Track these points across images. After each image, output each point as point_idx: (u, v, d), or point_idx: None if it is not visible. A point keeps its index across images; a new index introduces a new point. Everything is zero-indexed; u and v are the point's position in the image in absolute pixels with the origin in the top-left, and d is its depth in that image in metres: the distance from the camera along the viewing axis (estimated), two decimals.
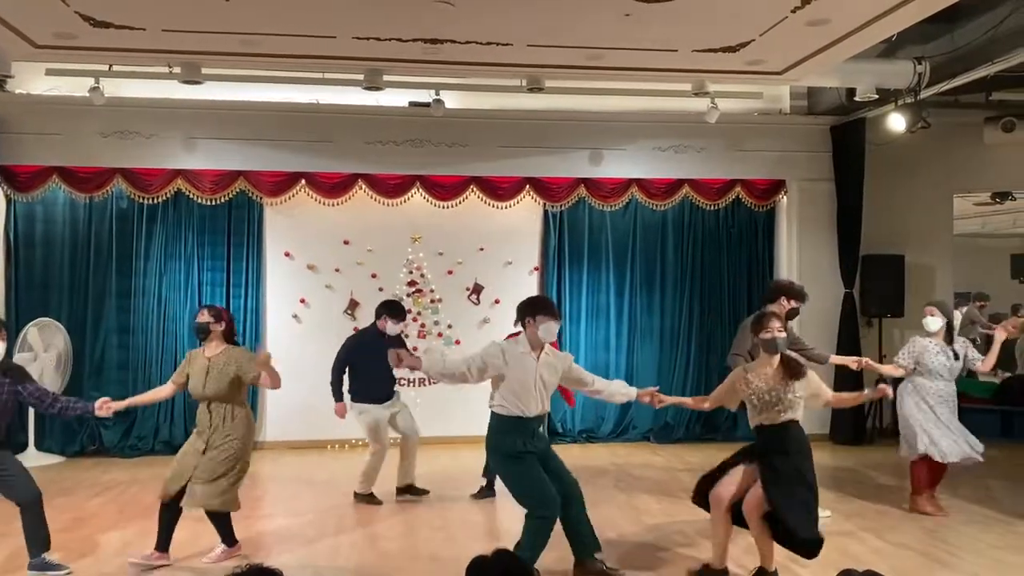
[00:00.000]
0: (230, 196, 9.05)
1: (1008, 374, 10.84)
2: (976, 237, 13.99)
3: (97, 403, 5.12)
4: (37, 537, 5.01)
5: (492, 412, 4.96)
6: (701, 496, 5.03)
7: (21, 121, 8.64)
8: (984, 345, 13.14)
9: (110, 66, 7.89)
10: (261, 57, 7.21)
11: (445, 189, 9.33)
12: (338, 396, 6.83)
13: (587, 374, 5.19)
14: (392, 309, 7.00)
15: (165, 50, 6.98)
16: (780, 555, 4.85)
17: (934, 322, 6.49)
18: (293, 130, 9.01)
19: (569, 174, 9.48)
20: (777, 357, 4.84)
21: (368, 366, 6.75)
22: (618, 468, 8.32)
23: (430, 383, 8.82)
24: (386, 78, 7.68)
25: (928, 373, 6.45)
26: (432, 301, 9.56)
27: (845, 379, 8.53)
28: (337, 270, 9.40)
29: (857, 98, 8.51)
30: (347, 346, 7.02)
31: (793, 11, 5.97)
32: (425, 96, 8.71)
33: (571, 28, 6.40)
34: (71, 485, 7.47)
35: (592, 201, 9.60)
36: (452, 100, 8.79)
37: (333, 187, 9.18)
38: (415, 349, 7.58)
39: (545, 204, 9.62)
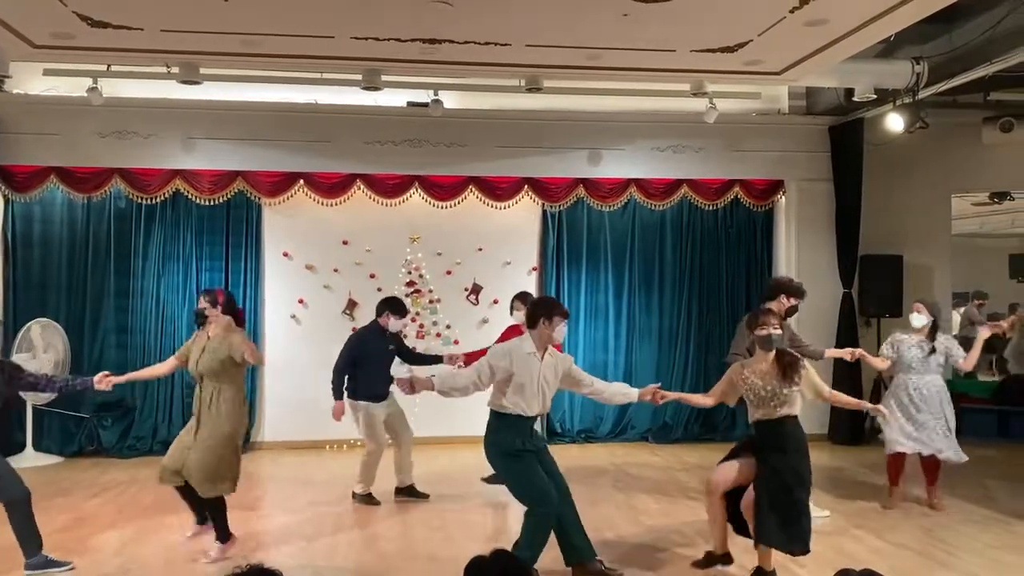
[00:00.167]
0: (228, 196, 9.05)
1: (1000, 376, 10.86)
2: (974, 237, 13.99)
3: (96, 377, 5.24)
4: (30, 536, 4.99)
5: (491, 411, 4.97)
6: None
7: (19, 121, 8.63)
8: (985, 346, 13.15)
9: (108, 66, 7.88)
10: (259, 57, 7.20)
11: (444, 189, 9.33)
12: (338, 395, 6.79)
13: (586, 376, 5.19)
14: (394, 305, 6.99)
15: (163, 50, 6.98)
16: (779, 555, 4.85)
17: (918, 319, 6.58)
18: (291, 130, 9.01)
19: (568, 174, 9.48)
20: (773, 353, 4.88)
21: (370, 364, 6.74)
22: (616, 468, 8.32)
23: None
24: (384, 78, 7.68)
25: (903, 366, 6.59)
26: (431, 301, 9.56)
27: (842, 376, 8.57)
28: (336, 270, 9.40)
29: (855, 98, 8.52)
30: (352, 343, 6.95)
31: (791, 11, 5.97)
32: (423, 96, 8.72)
33: (569, 28, 6.41)
34: (69, 486, 7.47)
35: (591, 201, 9.61)
36: (450, 100, 8.79)
37: (332, 187, 9.18)
38: (414, 349, 7.57)
39: (544, 204, 9.62)
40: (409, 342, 7.92)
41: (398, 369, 6.75)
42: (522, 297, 6.96)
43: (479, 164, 9.30)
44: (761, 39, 6.62)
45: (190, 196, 9.00)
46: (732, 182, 9.74)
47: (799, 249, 9.76)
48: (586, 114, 9.37)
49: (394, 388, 6.82)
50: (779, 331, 4.92)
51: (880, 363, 6.72)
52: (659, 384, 5.32)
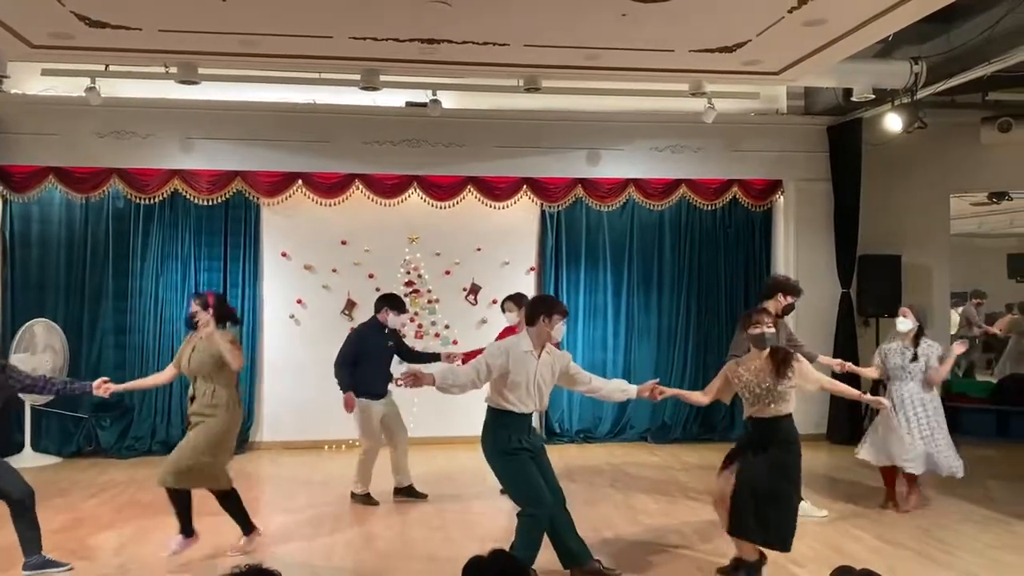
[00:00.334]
0: (227, 196, 9.04)
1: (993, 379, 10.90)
2: (973, 237, 14.00)
3: (96, 383, 5.22)
4: (31, 536, 4.99)
5: (488, 407, 4.97)
6: None
7: (17, 121, 8.61)
8: (984, 345, 13.18)
9: (106, 66, 7.88)
10: (258, 57, 7.20)
11: (442, 189, 9.33)
12: (346, 387, 6.70)
13: (584, 373, 5.18)
14: (392, 301, 6.99)
15: (161, 50, 6.97)
16: (780, 555, 4.86)
17: (904, 323, 6.58)
18: (290, 130, 9.00)
19: (566, 174, 9.48)
20: (766, 351, 4.89)
21: (369, 360, 6.73)
22: (615, 468, 8.32)
23: None
24: (383, 78, 7.67)
25: (889, 375, 6.63)
26: (429, 301, 9.56)
27: (839, 378, 8.54)
28: (334, 270, 9.40)
29: (854, 98, 8.52)
30: (353, 339, 6.95)
31: (790, 11, 5.97)
32: (422, 96, 8.72)
33: (568, 28, 6.41)
34: (68, 486, 7.46)
35: (589, 201, 9.61)
36: (449, 100, 8.78)
37: (330, 187, 9.18)
38: (412, 348, 7.56)
39: (542, 204, 9.62)
40: (408, 342, 7.91)
41: (399, 369, 6.74)
42: (515, 298, 6.84)
43: (478, 164, 9.30)
44: (760, 39, 6.62)
45: (188, 196, 8.99)
46: (731, 182, 9.74)
47: (797, 249, 9.76)
48: (585, 114, 9.37)
49: (392, 387, 6.85)
50: (772, 330, 4.97)
51: (871, 372, 6.77)
52: (658, 380, 5.33)
